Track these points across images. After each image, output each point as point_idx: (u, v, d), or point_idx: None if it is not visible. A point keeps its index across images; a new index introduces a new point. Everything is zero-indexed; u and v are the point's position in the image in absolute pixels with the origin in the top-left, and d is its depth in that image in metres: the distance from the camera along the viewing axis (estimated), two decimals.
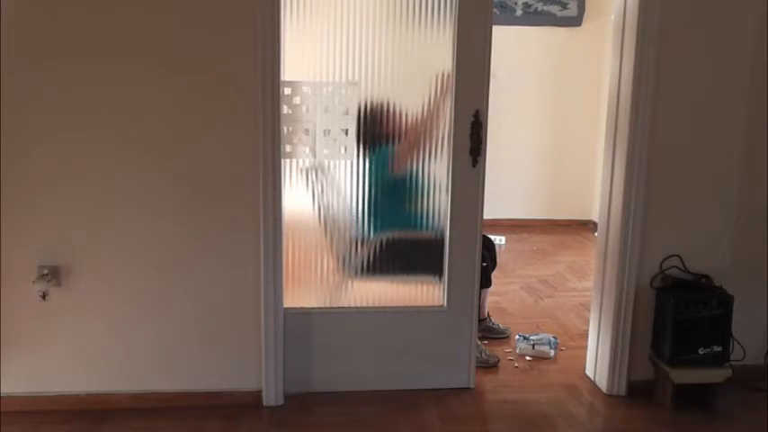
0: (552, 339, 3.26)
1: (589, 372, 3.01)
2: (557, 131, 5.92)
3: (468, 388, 2.85)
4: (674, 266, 2.76)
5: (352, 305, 2.79)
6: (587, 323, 3.10)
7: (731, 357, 2.72)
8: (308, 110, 2.59)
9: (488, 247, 3.38)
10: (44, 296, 2.49)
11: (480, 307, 3.43)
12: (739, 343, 2.78)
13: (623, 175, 2.71)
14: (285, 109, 2.56)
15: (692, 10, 2.61)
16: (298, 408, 2.67)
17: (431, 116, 2.67)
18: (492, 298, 3.64)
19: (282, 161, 2.57)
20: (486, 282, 3.36)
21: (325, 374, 2.77)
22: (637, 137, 2.66)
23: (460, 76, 2.61)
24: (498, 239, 5.20)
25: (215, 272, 2.58)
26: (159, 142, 2.48)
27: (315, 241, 2.74)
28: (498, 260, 3.64)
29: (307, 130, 2.60)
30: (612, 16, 2.83)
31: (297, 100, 2.58)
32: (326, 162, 2.68)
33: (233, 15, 2.43)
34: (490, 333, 3.42)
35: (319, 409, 2.67)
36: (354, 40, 2.58)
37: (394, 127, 2.67)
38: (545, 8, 5.75)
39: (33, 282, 2.47)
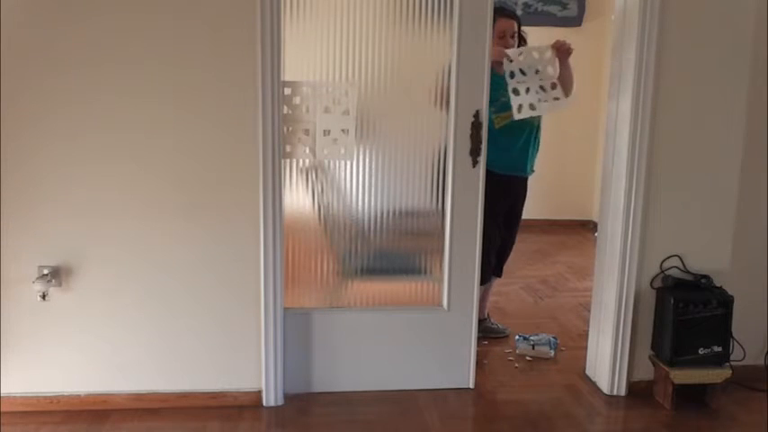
0: (552, 339, 3.26)
1: (589, 372, 3.01)
2: (556, 131, 5.91)
3: (468, 388, 2.85)
4: (674, 266, 2.76)
5: (353, 305, 2.79)
6: (587, 323, 3.10)
7: (731, 357, 2.73)
8: (307, 110, 2.59)
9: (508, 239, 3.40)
10: (44, 296, 2.49)
11: (480, 307, 3.42)
12: (739, 343, 2.78)
13: (623, 176, 2.71)
14: (285, 109, 2.56)
15: (692, 10, 2.60)
16: (298, 408, 2.67)
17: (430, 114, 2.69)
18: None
19: (282, 161, 2.57)
20: (497, 270, 3.40)
21: (325, 374, 2.77)
22: (637, 137, 2.66)
23: (461, 76, 2.61)
24: None
25: (215, 272, 2.58)
26: (159, 142, 2.48)
27: (315, 241, 2.74)
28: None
29: (307, 131, 2.60)
30: (612, 16, 2.83)
31: (297, 100, 2.58)
32: (326, 162, 2.68)
33: (233, 16, 2.43)
34: (490, 333, 3.42)
35: (319, 409, 2.67)
36: (354, 40, 2.58)
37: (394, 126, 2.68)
38: (545, 8, 5.74)
39: (33, 282, 2.47)
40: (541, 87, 3.01)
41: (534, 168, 3.31)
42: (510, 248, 3.43)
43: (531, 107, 2.94)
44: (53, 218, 2.48)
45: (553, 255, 5.10)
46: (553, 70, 3.01)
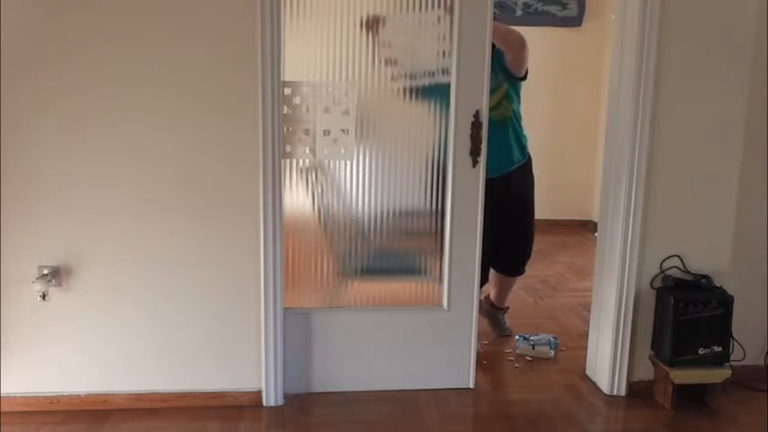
0: (552, 339, 3.26)
1: (589, 372, 3.01)
2: (557, 131, 5.91)
3: (468, 388, 2.85)
4: (674, 266, 2.76)
5: (353, 305, 2.79)
6: (587, 323, 3.10)
7: (731, 357, 2.73)
8: (307, 110, 2.59)
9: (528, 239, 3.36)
10: (44, 296, 2.49)
11: (501, 296, 3.45)
12: (739, 343, 2.78)
13: (623, 176, 2.71)
14: (285, 109, 2.56)
15: (692, 10, 2.60)
16: (298, 408, 2.67)
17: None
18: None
19: (282, 161, 2.57)
20: (512, 268, 3.38)
21: (325, 374, 2.77)
22: (637, 136, 2.66)
23: (461, 76, 2.61)
24: None
25: (215, 272, 2.58)
26: (159, 142, 2.48)
27: (315, 241, 2.74)
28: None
29: (307, 131, 2.60)
30: (612, 16, 2.83)
31: (297, 100, 2.58)
32: (326, 162, 2.68)
33: (233, 15, 2.43)
34: (496, 327, 3.44)
35: (319, 409, 2.67)
36: (354, 40, 2.58)
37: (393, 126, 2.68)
38: (545, 8, 5.74)
39: (33, 282, 2.47)
40: (392, 61, 2.67)
41: (523, 156, 3.20)
42: (516, 246, 3.32)
43: None
44: (53, 218, 2.48)
45: (553, 255, 5.09)
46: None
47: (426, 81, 2.64)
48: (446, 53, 2.62)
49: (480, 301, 3.47)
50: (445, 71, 2.63)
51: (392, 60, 2.63)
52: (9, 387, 2.56)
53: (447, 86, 2.63)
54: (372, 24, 2.58)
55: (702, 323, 2.66)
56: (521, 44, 3.00)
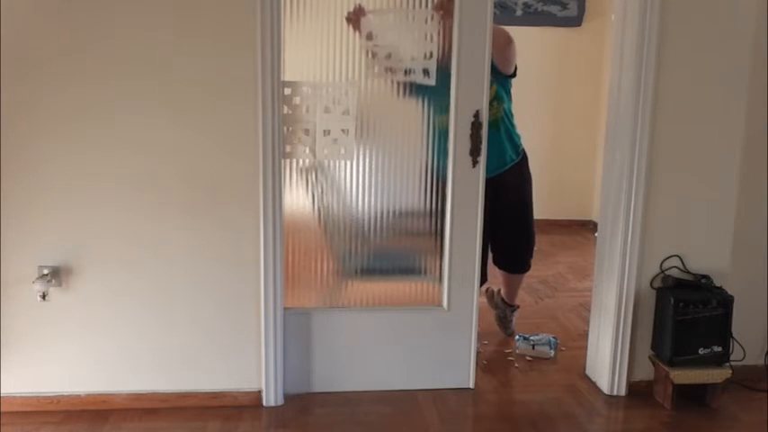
0: (552, 339, 3.26)
1: (589, 372, 3.01)
2: (557, 131, 5.92)
3: (468, 388, 2.85)
4: (674, 266, 2.76)
5: (353, 305, 2.79)
6: (587, 323, 3.10)
7: (731, 357, 2.73)
8: (307, 110, 2.59)
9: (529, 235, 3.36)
10: (44, 296, 2.49)
11: (511, 293, 3.48)
12: (739, 343, 2.78)
13: (623, 176, 2.71)
14: (285, 109, 2.56)
15: (692, 10, 2.60)
16: (298, 408, 2.67)
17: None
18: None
19: (282, 161, 2.57)
20: (516, 266, 3.38)
21: (325, 374, 2.77)
22: (637, 137, 2.66)
23: (461, 76, 2.61)
24: None
25: (215, 272, 2.58)
26: (159, 142, 2.48)
27: (315, 241, 2.74)
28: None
29: (307, 131, 2.60)
30: (612, 16, 2.83)
31: (297, 100, 2.58)
32: (326, 162, 2.68)
33: (233, 16, 2.43)
34: (502, 324, 3.46)
35: (319, 409, 2.67)
36: (354, 40, 2.58)
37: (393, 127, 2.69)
38: (545, 8, 5.74)
39: (33, 282, 2.47)
40: (372, 54, 2.61)
41: (517, 155, 3.19)
42: (517, 244, 3.33)
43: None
44: (53, 218, 2.48)
45: (553, 255, 5.10)
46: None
47: (425, 81, 2.64)
48: (445, 53, 2.62)
49: (493, 295, 3.51)
50: (445, 71, 2.64)
51: (374, 54, 2.61)
52: (9, 387, 2.56)
53: (446, 86, 2.64)
54: (354, 17, 2.55)
55: (702, 323, 2.66)
56: (506, 42, 2.98)
